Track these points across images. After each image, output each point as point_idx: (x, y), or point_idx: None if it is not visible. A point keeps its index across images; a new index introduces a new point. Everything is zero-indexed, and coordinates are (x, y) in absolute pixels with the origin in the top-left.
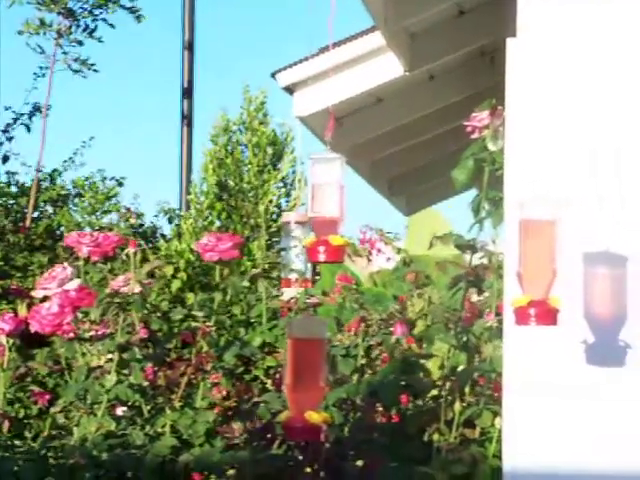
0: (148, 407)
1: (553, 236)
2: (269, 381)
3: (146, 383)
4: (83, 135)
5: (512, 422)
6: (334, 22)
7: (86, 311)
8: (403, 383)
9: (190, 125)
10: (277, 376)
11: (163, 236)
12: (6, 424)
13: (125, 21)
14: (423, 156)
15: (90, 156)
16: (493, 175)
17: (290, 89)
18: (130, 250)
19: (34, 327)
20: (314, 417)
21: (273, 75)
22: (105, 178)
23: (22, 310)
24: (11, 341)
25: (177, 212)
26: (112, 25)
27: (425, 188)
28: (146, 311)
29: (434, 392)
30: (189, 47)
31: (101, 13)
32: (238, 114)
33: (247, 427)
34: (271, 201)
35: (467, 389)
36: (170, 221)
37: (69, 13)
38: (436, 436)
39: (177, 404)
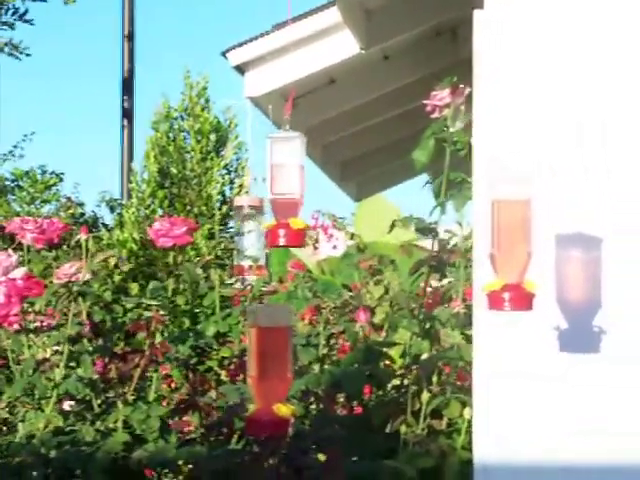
0: (98, 401)
1: (527, 216)
2: (223, 372)
3: (95, 376)
4: (24, 127)
5: (483, 411)
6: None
7: (31, 301)
8: (367, 373)
9: (130, 114)
10: (232, 367)
11: (105, 225)
12: None
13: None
14: (376, 140)
15: (30, 148)
16: (454, 156)
17: (241, 68)
18: (82, 236)
19: None
20: (282, 410)
21: (224, 53)
22: (45, 172)
23: None
24: None
25: (119, 201)
26: None
27: (377, 173)
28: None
29: (396, 382)
30: (129, 37)
31: None
32: (180, 100)
33: (203, 421)
34: (215, 188)
35: (434, 378)
36: (112, 210)
37: None
38: (403, 428)
39: (130, 398)
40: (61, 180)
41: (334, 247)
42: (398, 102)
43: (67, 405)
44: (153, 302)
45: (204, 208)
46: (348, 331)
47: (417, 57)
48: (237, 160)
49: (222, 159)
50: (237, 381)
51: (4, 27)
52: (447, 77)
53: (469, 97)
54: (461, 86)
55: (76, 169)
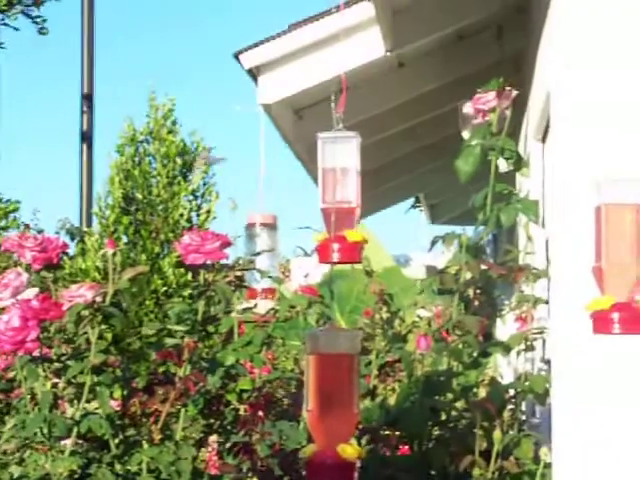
0: (116, 441)
1: (638, 223)
2: (242, 407)
3: (113, 412)
4: None
5: (565, 452)
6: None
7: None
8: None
9: (90, 137)
10: (251, 401)
11: (65, 254)
12: None
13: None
14: (376, 159)
15: None
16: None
17: (254, 72)
18: (109, 251)
19: None
20: (348, 451)
21: (236, 56)
22: (1, 199)
23: None
24: None
25: (81, 229)
26: (16, 28)
27: (372, 194)
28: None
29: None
30: (89, 53)
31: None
32: (145, 123)
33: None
34: (182, 215)
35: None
36: (72, 238)
37: None
38: (477, 471)
39: (157, 437)
40: (17, 208)
41: (306, 275)
42: (410, 114)
43: (68, 444)
44: (179, 327)
45: (171, 235)
46: (405, 360)
47: (435, 64)
48: (204, 185)
49: (189, 184)
50: (258, 417)
51: None
52: (463, 88)
53: (515, 101)
54: (508, 88)
55: (35, 196)
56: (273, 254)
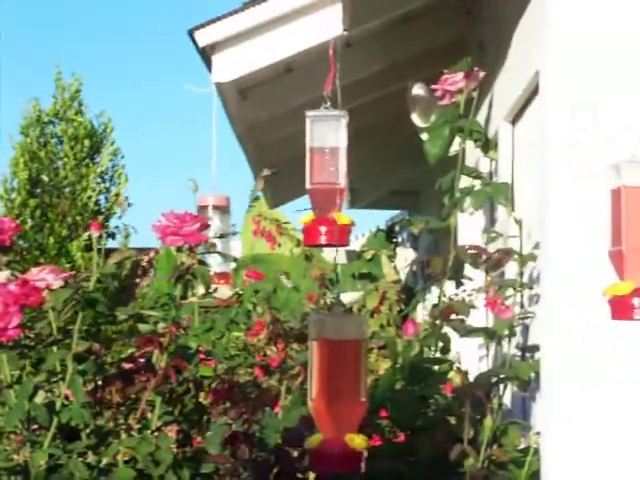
0: (87, 430)
1: None
2: (202, 395)
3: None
4: None
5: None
6: None
7: None
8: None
9: None
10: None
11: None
12: None
13: None
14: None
15: None
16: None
17: (207, 50)
18: (93, 233)
19: None
20: (357, 441)
21: (190, 33)
22: None
23: None
24: None
25: None
26: None
27: (295, 181)
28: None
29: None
30: None
31: None
32: (51, 104)
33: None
34: (90, 197)
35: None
36: None
37: None
38: (470, 461)
39: (135, 426)
40: None
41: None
42: (350, 97)
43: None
44: (153, 313)
45: (79, 218)
46: (390, 346)
47: (381, 45)
48: (113, 167)
49: (98, 166)
50: (218, 408)
51: None
52: (407, 70)
53: (482, 82)
54: (475, 69)
55: None
56: (226, 238)
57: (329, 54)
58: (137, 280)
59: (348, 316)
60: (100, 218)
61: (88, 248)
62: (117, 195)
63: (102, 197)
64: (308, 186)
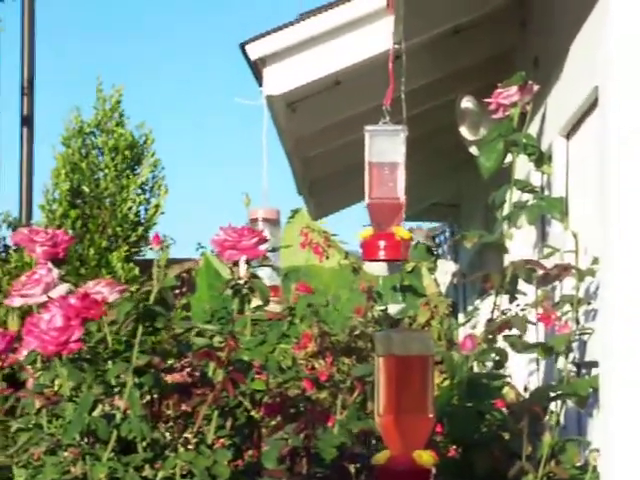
0: (143, 444)
1: None
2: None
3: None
4: None
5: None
6: None
7: None
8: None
9: (30, 125)
10: (265, 403)
11: (7, 247)
12: None
13: None
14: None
15: None
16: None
17: (259, 63)
18: (155, 247)
19: (31, 345)
20: (425, 457)
21: (242, 46)
22: None
23: (13, 323)
24: None
25: (27, 222)
26: None
27: (338, 193)
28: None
29: None
30: (29, 38)
31: None
32: (92, 115)
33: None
34: (130, 208)
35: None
36: (14, 231)
37: None
38: (530, 477)
39: (192, 440)
40: None
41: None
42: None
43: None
44: (209, 327)
45: (119, 229)
46: (447, 361)
47: (431, 58)
48: (153, 178)
49: (138, 177)
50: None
51: None
52: (463, 82)
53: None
54: (530, 82)
55: None
56: (277, 251)
57: (389, 68)
58: (178, 291)
59: (414, 332)
60: (140, 229)
61: (128, 259)
62: (157, 206)
63: (142, 208)
64: (367, 201)
